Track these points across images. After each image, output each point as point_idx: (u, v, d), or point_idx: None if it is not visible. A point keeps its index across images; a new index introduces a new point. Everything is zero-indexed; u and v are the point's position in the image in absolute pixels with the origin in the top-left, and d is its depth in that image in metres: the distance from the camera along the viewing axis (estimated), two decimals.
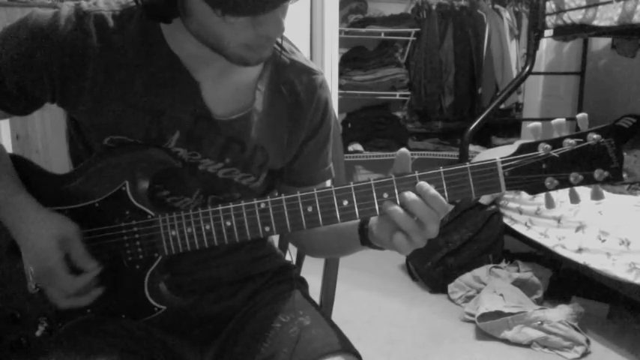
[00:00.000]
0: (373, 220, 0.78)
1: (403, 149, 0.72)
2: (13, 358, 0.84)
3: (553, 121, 0.67)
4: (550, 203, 0.70)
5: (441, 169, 0.70)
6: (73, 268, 0.78)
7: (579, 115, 0.66)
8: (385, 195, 0.71)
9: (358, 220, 0.80)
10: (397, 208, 0.69)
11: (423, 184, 0.69)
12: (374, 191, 0.71)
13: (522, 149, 0.68)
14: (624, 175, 0.66)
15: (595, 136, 0.65)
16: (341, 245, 0.88)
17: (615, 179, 0.65)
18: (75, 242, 0.78)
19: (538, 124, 0.67)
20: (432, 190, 0.69)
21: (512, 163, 0.68)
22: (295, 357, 0.80)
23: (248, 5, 0.65)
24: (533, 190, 0.68)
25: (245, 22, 0.69)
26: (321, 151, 0.94)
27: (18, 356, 0.84)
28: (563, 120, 0.67)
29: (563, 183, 0.67)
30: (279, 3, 0.67)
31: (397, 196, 0.71)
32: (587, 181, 0.66)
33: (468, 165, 0.69)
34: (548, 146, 0.67)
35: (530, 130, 0.68)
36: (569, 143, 0.66)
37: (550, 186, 0.67)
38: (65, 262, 0.77)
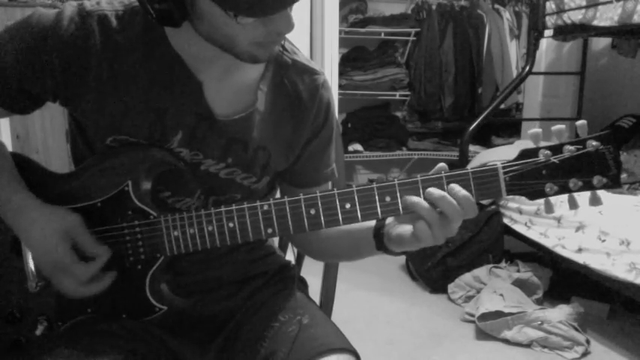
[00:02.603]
0: (390, 223, 0.78)
1: (442, 164, 0.72)
2: (12, 358, 0.83)
3: (553, 128, 0.68)
4: (549, 208, 0.71)
5: (443, 174, 0.71)
6: (83, 257, 0.78)
7: (579, 123, 0.67)
8: (388, 199, 0.72)
9: (373, 225, 0.80)
10: (422, 200, 0.70)
11: (455, 186, 0.70)
12: (376, 194, 0.72)
13: (523, 155, 0.69)
14: (623, 175, 0.67)
15: (594, 143, 0.66)
16: (355, 250, 0.88)
17: (613, 186, 0.66)
18: (80, 231, 0.78)
19: (539, 130, 0.68)
20: (464, 192, 0.69)
21: (513, 168, 0.69)
22: (294, 356, 0.80)
23: (261, 6, 0.65)
24: (533, 196, 0.69)
25: (256, 22, 0.69)
26: (324, 152, 0.94)
27: (17, 355, 0.84)
28: (564, 126, 0.68)
29: (563, 189, 0.68)
30: (290, 2, 0.67)
31: (399, 199, 0.71)
32: (586, 187, 0.67)
33: (469, 170, 0.70)
34: (548, 152, 0.68)
35: (531, 136, 0.68)
36: (569, 150, 0.67)
37: (550, 192, 0.68)
38: (74, 252, 0.77)
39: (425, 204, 0.70)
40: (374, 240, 0.80)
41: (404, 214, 0.72)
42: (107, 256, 0.78)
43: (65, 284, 0.79)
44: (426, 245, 0.73)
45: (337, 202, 0.73)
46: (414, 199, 0.70)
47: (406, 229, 0.74)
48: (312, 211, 0.74)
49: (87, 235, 0.78)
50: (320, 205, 0.73)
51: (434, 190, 0.69)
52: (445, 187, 0.70)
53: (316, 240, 0.93)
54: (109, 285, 0.79)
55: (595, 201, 0.68)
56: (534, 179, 0.68)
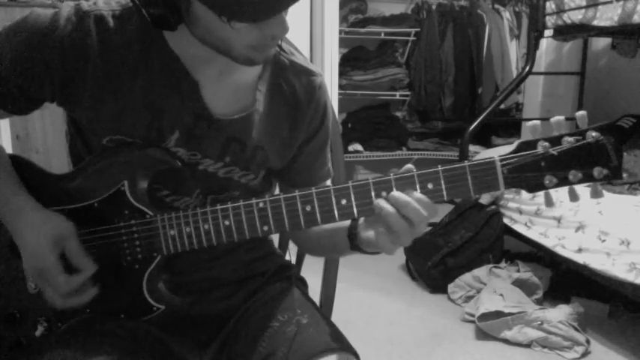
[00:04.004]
0: (361, 224, 0.78)
1: (409, 165, 0.72)
2: (12, 358, 0.84)
3: (552, 119, 0.67)
4: (549, 202, 0.70)
5: (440, 168, 0.70)
6: (69, 268, 0.78)
7: (578, 113, 0.65)
8: (384, 194, 0.71)
9: (349, 224, 0.80)
10: (390, 208, 0.70)
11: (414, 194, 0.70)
12: (372, 190, 0.71)
13: (521, 147, 0.68)
14: (624, 175, 0.66)
15: (594, 133, 0.65)
16: (333, 248, 0.89)
17: (614, 177, 0.65)
18: (70, 241, 0.78)
19: (537, 122, 0.67)
20: (419, 195, 0.69)
21: (511, 161, 0.68)
22: (293, 356, 0.80)
23: (253, 11, 0.65)
24: (533, 189, 0.68)
25: (251, 26, 0.69)
26: (320, 153, 0.94)
27: (17, 356, 0.84)
28: (562, 118, 0.67)
29: (563, 181, 0.67)
30: (283, 8, 0.67)
31: (373, 199, 0.71)
32: (587, 179, 0.66)
33: (466, 163, 0.69)
34: (547, 144, 0.66)
35: (529, 128, 0.67)
36: (569, 141, 0.66)
37: (549, 184, 0.67)
38: (60, 262, 0.77)
39: (393, 212, 0.69)
40: (348, 240, 0.80)
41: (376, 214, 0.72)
42: (92, 271, 0.78)
43: (48, 292, 0.79)
44: (391, 253, 0.73)
45: (333, 199, 0.73)
46: (385, 206, 0.70)
47: (372, 233, 0.74)
48: (308, 208, 0.73)
49: (77, 246, 0.78)
50: (316, 201, 0.73)
51: (398, 195, 0.69)
52: (442, 181, 0.69)
53: (301, 235, 0.96)
54: (89, 300, 0.79)
55: (596, 193, 0.67)
56: (533, 171, 0.67)
